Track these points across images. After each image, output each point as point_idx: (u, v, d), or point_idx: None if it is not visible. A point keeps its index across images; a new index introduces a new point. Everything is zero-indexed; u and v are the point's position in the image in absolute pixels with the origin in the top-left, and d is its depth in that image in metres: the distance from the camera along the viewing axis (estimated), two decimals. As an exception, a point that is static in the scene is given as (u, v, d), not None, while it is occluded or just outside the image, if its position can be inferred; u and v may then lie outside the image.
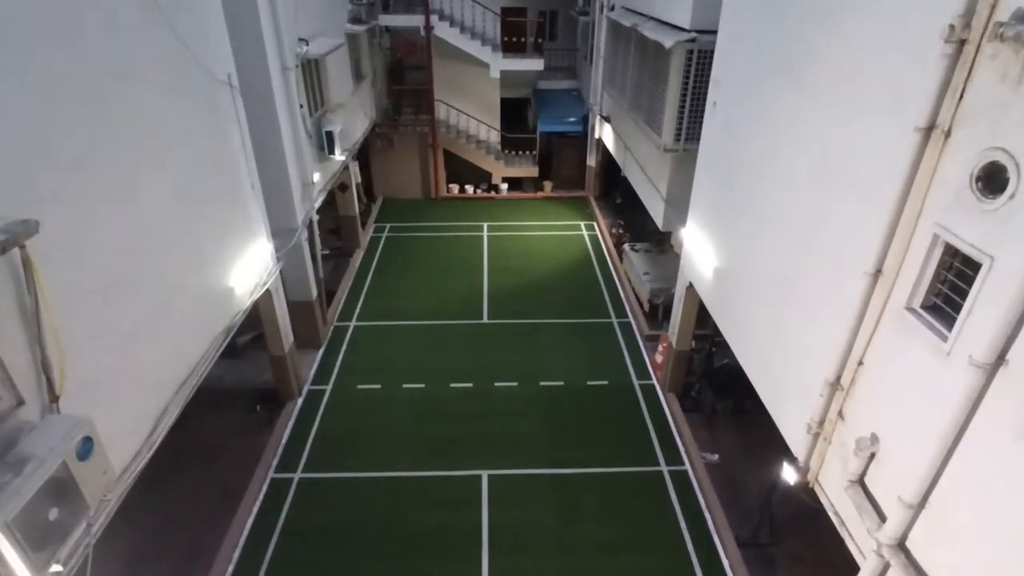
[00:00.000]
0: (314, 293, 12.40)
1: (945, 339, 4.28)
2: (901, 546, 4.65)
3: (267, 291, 9.73)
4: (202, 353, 7.39)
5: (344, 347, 12.93)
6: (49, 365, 4.65)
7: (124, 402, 5.77)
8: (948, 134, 4.28)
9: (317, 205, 12.45)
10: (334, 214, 17.05)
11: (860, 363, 5.39)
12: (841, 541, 5.65)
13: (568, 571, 8.20)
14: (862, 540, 5.24)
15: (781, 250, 6.95)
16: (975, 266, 4.04)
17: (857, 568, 5.25)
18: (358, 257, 16.83)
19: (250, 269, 8.94)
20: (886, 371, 5.04)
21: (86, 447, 4.39)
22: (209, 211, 7.79)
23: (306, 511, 9.03)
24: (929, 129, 4.40)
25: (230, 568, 8.12)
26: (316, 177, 12.18)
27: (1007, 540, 3.76)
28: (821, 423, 5.88)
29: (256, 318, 10.09)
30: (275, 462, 9.87)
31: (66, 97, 5.08)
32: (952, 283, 4.39)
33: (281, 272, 10.52)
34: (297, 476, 9.62)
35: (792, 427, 6.56)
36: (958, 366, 4.06)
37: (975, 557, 3.99)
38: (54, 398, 4.74)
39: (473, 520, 8.88)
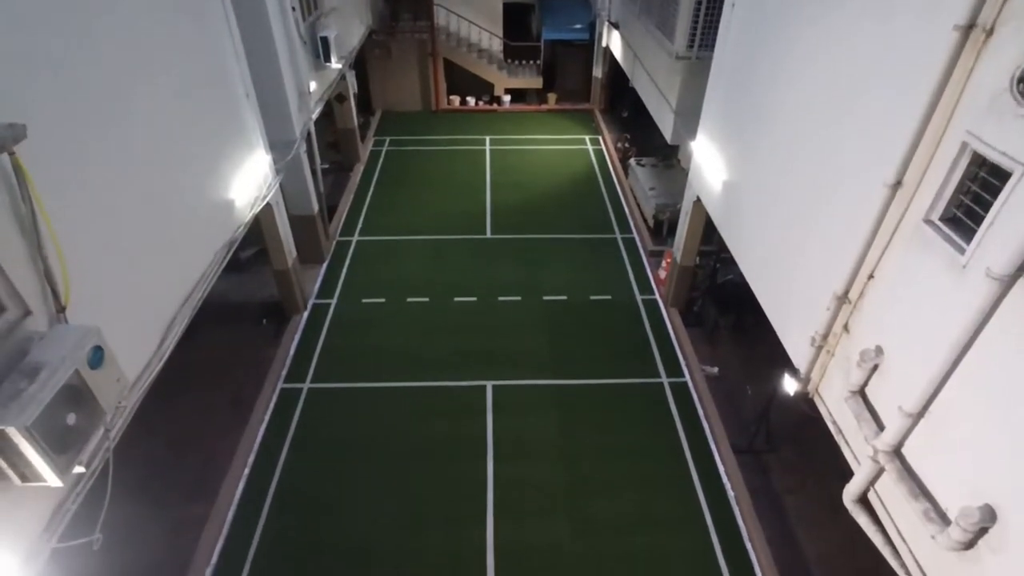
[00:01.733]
0: (315, 207, 12.21)
1: (962, 252, 4.19)
2: (897, 453, 4.79)
3: (268, 205, 9.57)
4: (205, 266, 7.36)
5: (347, 262, 12.90)
6: (52, 275, 4.60)
7: (131, 314, 5.80)
8: (990, 32, 3.99)
9: (315, 116, 12.00)
10: (332, 127, 16.51)
11: (870, 277, 5.33)
12: (833, 450, 5.84)
13: (570, 476, 8.58)
14: (858, 448, 5.40)
15: (797, 162, 6.73)
16: (1003, 175, 3.89)
17: (849, 475, 5.45)
18: (358, 171, 16.46)
19: (249, 181, 8.74)
20: (897, 284, 5.00)
21: (97, 356, 4.42)
22: (203, 120, 7.51)
23: (316, 420, 9.34)
24: (969, 27, 4.10)
25: (245, 472, 8.50)
26: (312, 86, 11.66)
27: (1004, 448, 3.85)
28: (825, 336, 5.92)
29: (258, 233, 10.01)
30: (284, 373, 10.09)
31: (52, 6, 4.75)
32: (975, 194, 4.24)
33: (281, 186, 10.31)
34: (306, 387, 9.88)
35: (795, 340, 6.61)
36: (974, 279, 4.00)
37: (970, 464, 4.10)
38: (60, 308, 4.73)
39: (478, 429, 9.20)
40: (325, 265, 12.75)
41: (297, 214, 11.67)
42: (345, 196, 15.26)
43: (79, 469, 4.33)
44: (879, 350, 5.12)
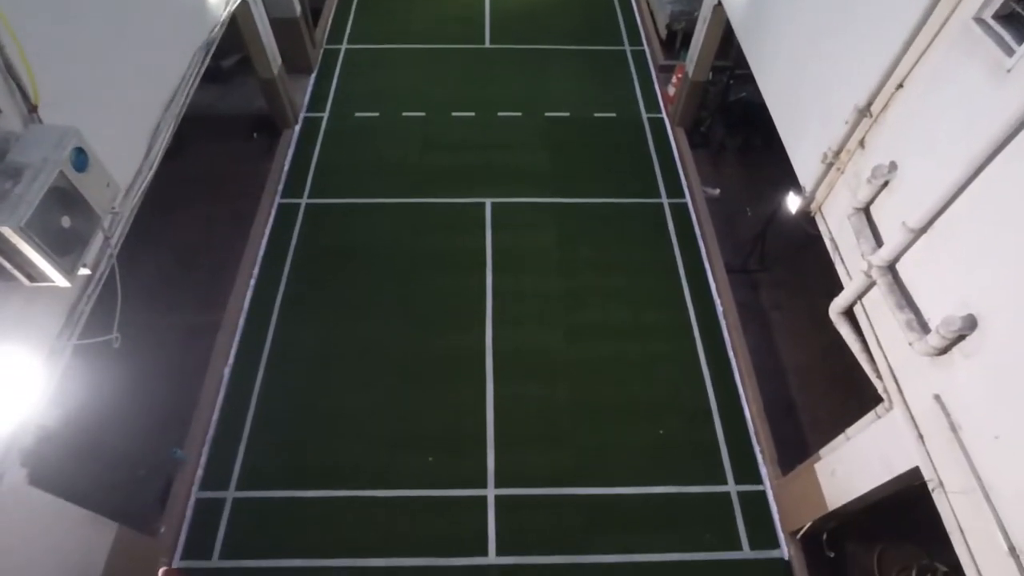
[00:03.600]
0: (297, 8, 11.06)
1: (1011, 54, 3.83)
2: (890, 267, 4.87)
3: (245, 4, 8.64)
4: (184, 69, 6.85)
5: (337, 72, 12.04)
6: (15, 70, 4.24)
7: (110, 118, 5.51)
8: None
9: None
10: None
11: (899, 87, 4.98)
12: (824, 269, 5.96)
13: (566, 288, 8.91)
14: (853, 263, 5.48)
15: (839, -49, 5.92)
16: (1081, -42, 3.39)
17: (835, 293, 5.60)
18: (341, -34, 14.63)
19: (218, -30, 7.75)
20: (927, 93, 4.68)
21: (80, 159, 4.25)
22: None
23: (316, 234, 9.42)
24: None
25: (251, 283, 8.76)
26: None
27: (999, 261, 3.87)
28: (838, 152, 5.71)
29: (239, 38, 9.17)
30: (280, 188, 9.95)
31: None
32: (1042, -17, 3.76)
33: (257, -19, 9.20)
34: (304, 202, 9.79)
35: (805, 157, 6.40)
36: (1015, 85, 3.72)
37: (962, 277, 4.17)
38: (32, 108, 4.46)
39: (477, 244, 9.32)
40: (314, 76, 11.91)
41: (278, 16, 10.57)
42: (329, -3, 13.75)
43: (84, 271, 4.39)
44: (893, 166, 4.95)
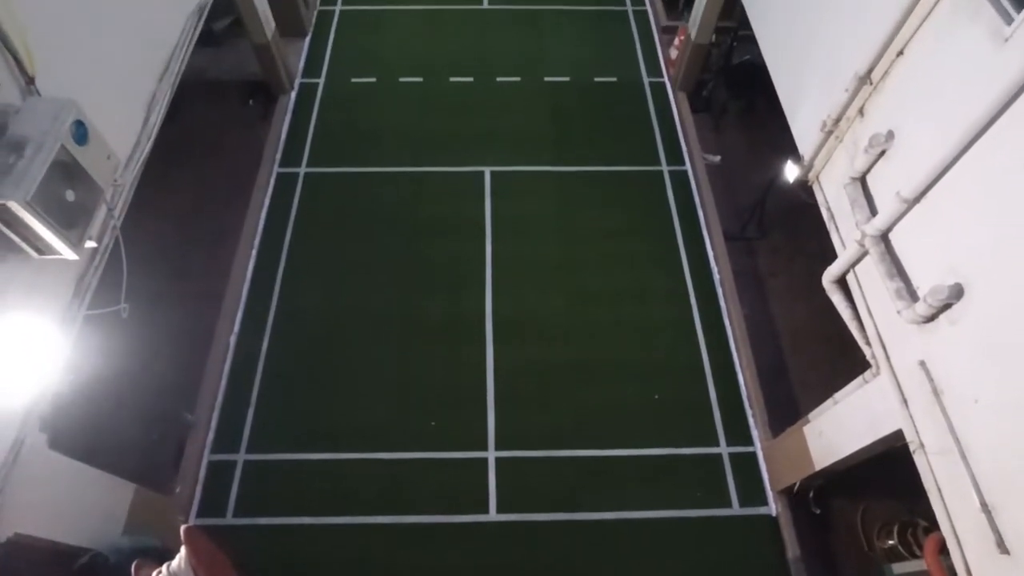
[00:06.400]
0: (289, -32, 10.79)
1: (1010, 21, 3.83)
2: (883, 237, 4.95)
3: (235, -37, 8.44)
4: (177, 36, 6.78)
5: (332, 35, 11.83)
6: (10, 41, 4.23)
7: (108, 89, 5.51)
8: None
9: None
10: None
11: (900, 54, 4.96)
12: (820, 238, 6.04)
13: (565, 255, 9.00)
14: (847, 232, 5.55)
15: (845, -90, 5.79)
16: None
17: (830, 259, 5.69)
18: (334, -78, 14.18)
19: (209, -69, 7.56)
20: (927, 61, 4.68)
21: (81, 131, 4.28)
22: None
23: (315, 203, 9.45)
24: None
25: (253, 253, 8.84)
26: None
27: (989, 231, 3.95)
28: (837, 120, 5.71)
29: (230, 0, 9.00)
30: (278, 156, 9.92)
31: None
32: (1045, -51, 3.72)
33: (247, -61, 8.98)
34: (302, 171, 9.78)
35: (805, 125, 6.39)
36: (1014, 53, 3.73)
37: (951, 246, 4.25)
38: (29, 80, 4.46)
39: (477, 212, 9.36)
40: (308, 38, 11.70)
41: (270, -24, 10.34)
42: (322, -46, 13.37)
43: (91, 244, 4.48)
44: (890, 135, 4.98)
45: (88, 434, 6.30)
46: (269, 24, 9.90)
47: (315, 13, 12.17)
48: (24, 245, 4.13)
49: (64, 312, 4.80)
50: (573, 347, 8.19)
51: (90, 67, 5.27)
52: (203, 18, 7.37)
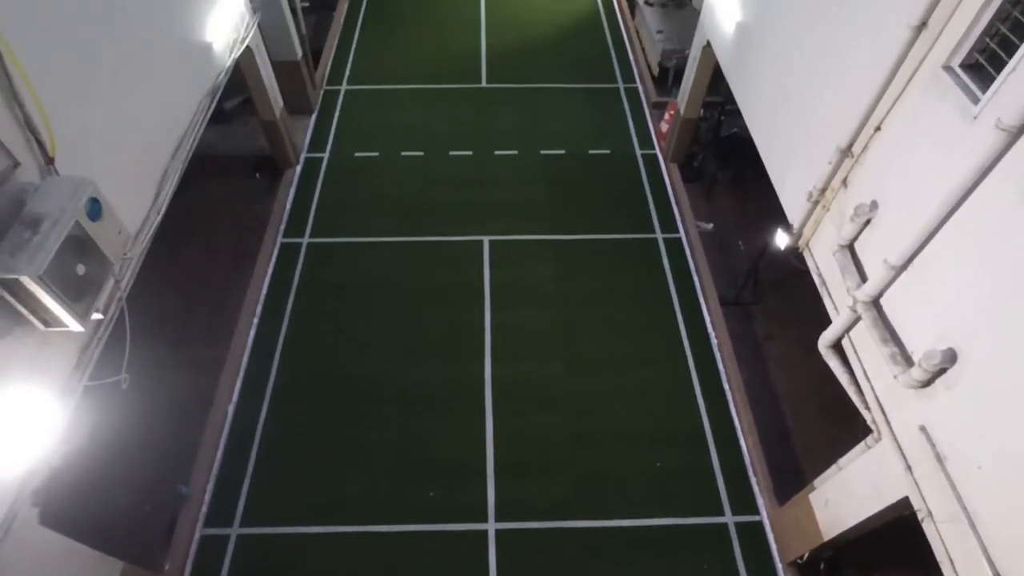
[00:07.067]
0: (298, 52, 11.43)
1: (976, 101, 4.09)
2: (875, 303, 5.04)
3: (248, 49, 8.97)
4: (191, 116, 7.12)
5: (337, 112, 12.39)
6: (33, 123, 4.46)
7: (122, 166, 5.73)
8: None
9: (289, -58, 10.78)
10: (309, -45, 14.89)
11: (877, 129, 5.23)
12: (814, 302, 6.13)
13: (563, 322, 9.06)
14: (839, 298, 5.66)
15: (817, 2, 6.24)
16: (1034, 16, 3.65)
17: (825, 324, 5.77)
18: (342, 10, 15.14)
19: (225, 20, 8.09)
20: (903, 136, 4.92)
21: (95, 208, 4.45)
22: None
23: (318, 272, 9.59)
24: None
25: (254, 321, 8.91)
26: (283, -96, 10.34)
27: (976, 296, 4.05)
28: (823, 191, 5.93)
29: (242, 81, 9.51)
30: (282, 227, 10.17)
31: None
32: (1003, 38, 4.02)
33: (261, 28, 9.56)
34: (305, 241, 10.00)
35: (792, 195, 6.63)
36: (982, 130, 3.94)
37: (941, 312, 4.34)
38: (49, 160, 4.66)
39: (476, 280, 9.50)
40: (314, 116, 12.24)
41: (280, 60, 10.94)
42: (330, 39, 14.19)
43: (97, 316, 4.55)
44: (874, 204, 5.17)
45: (79, 508, 6.14)
46: (278, 103, 10.40)
47: (321, 92, 12.79)
48: (32, 318, 4.21)
49: (65, 384, 4.82)
50: (573, 414, 8.12)
51: (107, 145, 5.49)
52: (216, 98, 7.77)
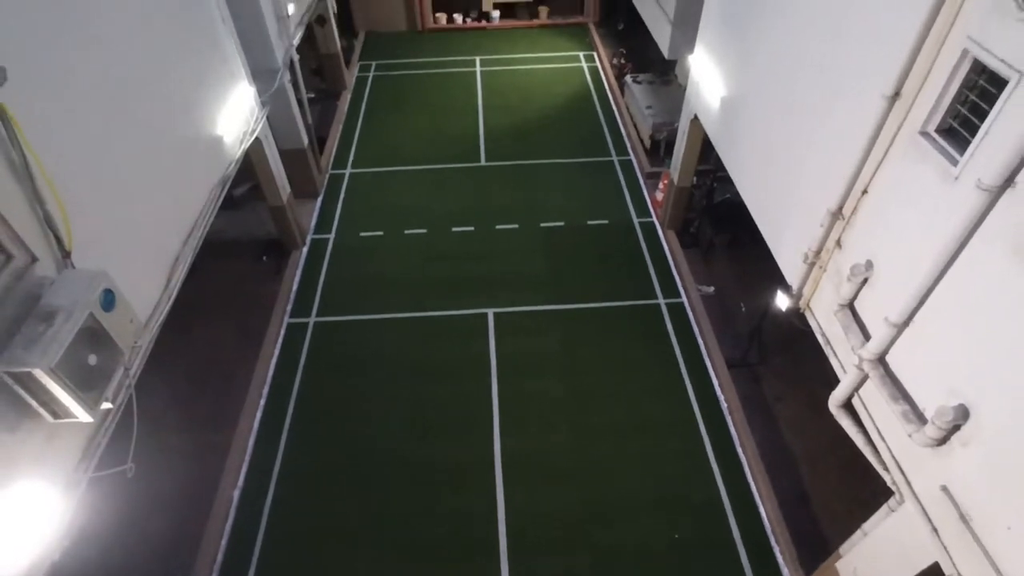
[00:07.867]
0: (305, 140, 11.99)
1: (955, 163, 4.24)
2: (880, 360, 5.03)
3: (257, 139, 9.42)
4: (202, 205, 7.38)
5: (342, 195, 12.82)
6: (52, 220, 4.65)
7: (135, 256, 5.90)
8: (996, -71, 3.84)
9: (296, 41, 11.55)
10: (314, 53, 15.89)
11: (864, 192, 5.39)
12: (821, 360, 6.11)
13: (570, 390, 8.99)
14: (845, 357, 5.65)
15: (796, 76, 6.60)
16: (1001, 83, 3.87)
17: (834, 381, 5.73)
18: (345, 99, 15.99)
19: (236, 115, 8.57)
20: (890, 199, 5.07)
21: (108, 299, 4.56)
22: (182, 48, 7.29)
23: (324, 352, 9.63)
24: (975, -76, 3.95)
25: (261, 402, 8.86)
26: (291, 8, 11.14)
27: (980, 350, 4.06)
28: (818, 252, 6.04)
29: (250, 168, 9.91)
30: (289, 308, 10.29)
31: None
32: (972, 104, 4.23)
33: (269, 119, 10.09)
34: (312, 320, 10.10)
35: (789, 257, 6.74)
36: (964, 190, 4.07)
37: (948, 368, 4.33)
38: (66, 254, 4.81)
39: (481, 353, 9.52)
40: (320, 199, 12.67)
41: (287, 148, 11.48)
42: (334, 126, 14.91)
43: (107, 405, 4.56)
44: (869, 264, 5.26)
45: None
46: (285, 189, 10.80)
47: (327, 176, 13.30)
48: (41, 410, 4.22)
49: (70, 476, 4.76)
50: (587, 486, 7.90)
51: (121, 236, 5.67)
52: (226, 188, 8.10)
